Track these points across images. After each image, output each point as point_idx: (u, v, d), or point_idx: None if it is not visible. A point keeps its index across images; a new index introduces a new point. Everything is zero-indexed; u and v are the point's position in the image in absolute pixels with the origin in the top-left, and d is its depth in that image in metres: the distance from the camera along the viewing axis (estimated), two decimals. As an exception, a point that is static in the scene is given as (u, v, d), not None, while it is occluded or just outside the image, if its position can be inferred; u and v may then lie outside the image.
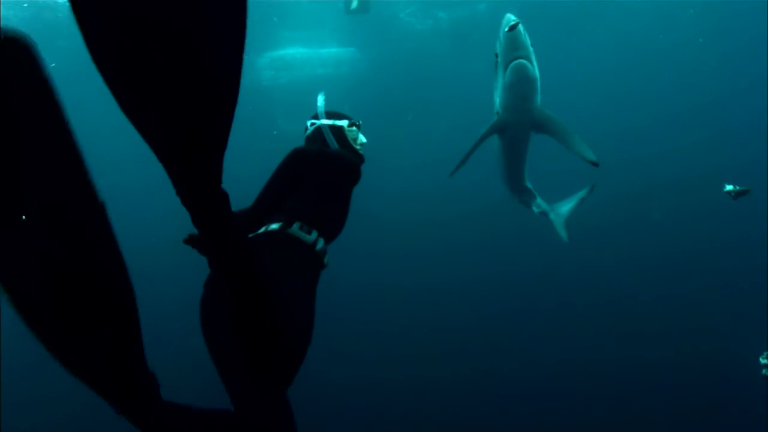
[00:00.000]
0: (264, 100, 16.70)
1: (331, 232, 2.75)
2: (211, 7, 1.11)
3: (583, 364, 11.77)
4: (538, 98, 5.42)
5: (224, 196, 1.52)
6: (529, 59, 4.96)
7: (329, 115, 3.06)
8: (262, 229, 2.52)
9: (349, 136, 3.03)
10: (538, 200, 7.32)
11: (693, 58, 16.52)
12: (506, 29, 4.84)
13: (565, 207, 7.44)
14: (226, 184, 1.52)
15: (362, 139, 3.11)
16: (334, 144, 2.95)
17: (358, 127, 3.09)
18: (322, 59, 16.24)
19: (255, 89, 16.77)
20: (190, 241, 2.29)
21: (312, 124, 3.07)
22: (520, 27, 4.83)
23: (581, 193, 7.47)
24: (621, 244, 16.97)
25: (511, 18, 4.82)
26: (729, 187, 4.62)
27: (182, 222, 1.74)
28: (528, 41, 4.94)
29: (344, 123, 3.03)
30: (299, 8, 13.15)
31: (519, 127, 5.78)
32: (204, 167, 1.38)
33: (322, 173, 2.67)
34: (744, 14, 14.26)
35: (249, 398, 2.12)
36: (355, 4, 11.40)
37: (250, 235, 2.52)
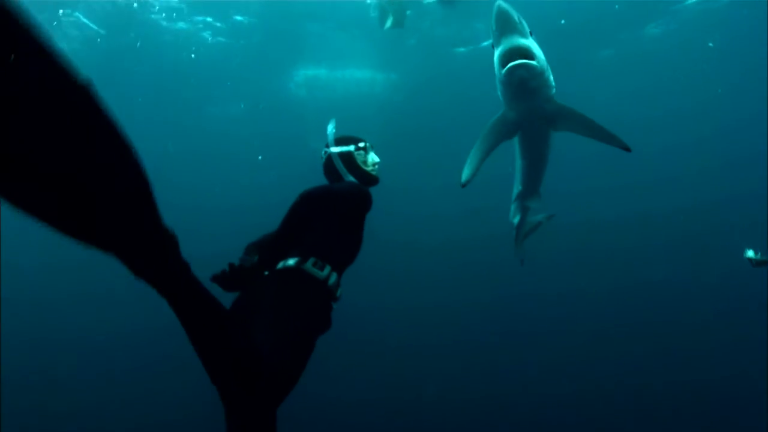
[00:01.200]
0: (296, 117, 16.92)
1: (345, 263, 2.85)
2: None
3: (589, 389, 12.03)
4: (552, 89, 4.72)
5: (182, 268, 1.66)
6: (530, 52, 4.29)
7: (341, 140, 3.13)
8: (281, 264, 2.60)
9: (358, 159, 3.10)
10: (514, 210, 7.22)
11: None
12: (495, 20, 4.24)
13: (524, 228, 7.35)
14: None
15: (374, 159, 3.16)
16: (343, 171, 3.04)
17: (365, 150, 3.12)
18: (356, 79, 16.35)
19: (287, 107, 17.00)
20: (216, 279, 2.55)
21: (325, 152, 3.15)
22: (514, 15, 4.22)
23: (540, 217, 7.45)
24: (627, 268, 17.41)
25: (502, 6, 4.22)
26: (750, 254, 4.34)
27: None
28: (526, 28, 4.32)
29: (351, 148, 3.09)
30: (334, 26, 13.27)
31: (531, 124, 5.15)
32: (150, 256, 1.52)
33: (331, 211, 2.77)
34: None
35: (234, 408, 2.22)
36: (390, 22, 11.38)
37: (267, 273, 2.61)
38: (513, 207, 7.23)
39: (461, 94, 15.58)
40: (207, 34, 13.54)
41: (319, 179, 3.19)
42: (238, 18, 12.95)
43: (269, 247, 2.69)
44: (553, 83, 4.74)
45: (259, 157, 18.48)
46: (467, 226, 18.33)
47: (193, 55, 13.82)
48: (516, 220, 7.23)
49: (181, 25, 13.07)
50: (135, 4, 12.10)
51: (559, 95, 4.91)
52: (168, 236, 1.55)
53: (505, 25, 4.26)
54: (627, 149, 4.76)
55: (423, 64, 15.04)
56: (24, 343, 12.64)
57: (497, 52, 4.43)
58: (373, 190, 3.19)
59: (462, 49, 14.65)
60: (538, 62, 4.34)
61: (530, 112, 4.94)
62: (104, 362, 13.40)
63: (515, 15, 4.27)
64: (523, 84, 4.43)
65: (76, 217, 1.24)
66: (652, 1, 12.88)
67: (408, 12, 11.65)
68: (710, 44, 14.96)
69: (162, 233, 1.50)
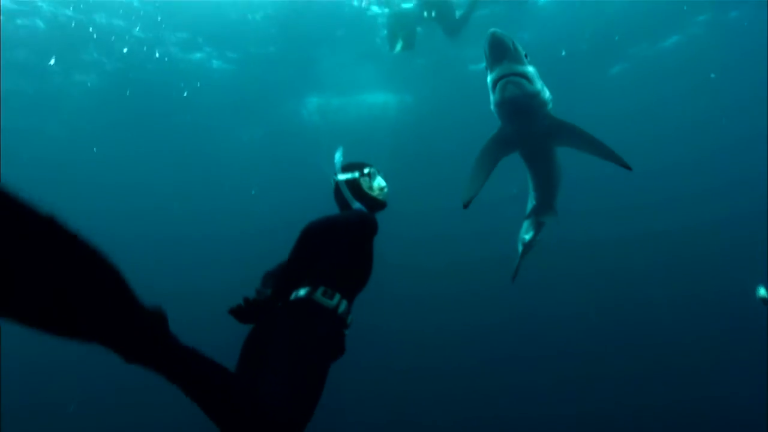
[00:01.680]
0: (311, 144, 17.07)
1: (355, 289, 2.89)
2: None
3: (591, 411, 11.94)
4: (548, 105, 4.63)
5: (170, 346, 1.71)
6: (523, 75, 4.26)
7: (347, 167, 3.18)
8: (293, 295, 2.65)
9: (364, 185, 3.13)
10: (527, 226, 7.15)
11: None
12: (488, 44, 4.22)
13: (532, 245, 7.28)
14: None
15: (380, 183, 3.19)
16: (350, 198, 3.08)
17: (369, 175, 3.15)
18: (369, 103, 16.47)
19: (302, 133, 17.15)
20: (232, 312, 2.60)
21: (333, 180, 3.21)
22: (507, 41, 4.20)
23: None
24: (628, 288, 17.60)
25: (495, 32, 4.19)
26: (762, 292, 4.09)
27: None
28: (521, 52, 4.28)
29: (356, 174, 3.13)
30: (347, 51, 13.41)
31: (529, 140, 5.07)
32: (136, 345, 1.59)
33: (335, 242, 2.79)
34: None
35: None
36: (399, 47, 11.43)
37: (280, 304, 2.64)
38: (526, 223, 7.12)
39: (478, 113, 15.64)
40: (220, 63, 13.77)
41: (333, 205, 3.24)
42: (251, 48, 13.16)
43: (280, 280, 2.74)
44: (549, 99, 4.65)
45: (252, 192, 18.70)
46: (478, 248, 18.29)
47: (190, 88, 14.08)
48: (528, 236, 7.13)
49: (196, 55, 13.32)
50: (150, 42, 12.37)
51: (563, 112, 4.84)
52: (152, 321, 1.61)
53: (499, 52, 4.25)
54: (627, 167, 4.60)
55: (437, 84, 15.08)
56: (24, 367, 12.69)
57: (490, 77, 4.42)
58: (388, 214, 3.20)
59: (476, 67, 14.69)
60: (530, 81, 4.30)
61: (527, 129, 4.86)
62: (104, 392, 13.30)
63: (509, 41, 4.24)
64: (515, 102, 4.37)
65: (58, 320, 1.35)
66: (659, 18, 12.88)
67: (419, 29, 11.63)
68: (712, 75, 15.02)
69: (144, 323, 1.57)
